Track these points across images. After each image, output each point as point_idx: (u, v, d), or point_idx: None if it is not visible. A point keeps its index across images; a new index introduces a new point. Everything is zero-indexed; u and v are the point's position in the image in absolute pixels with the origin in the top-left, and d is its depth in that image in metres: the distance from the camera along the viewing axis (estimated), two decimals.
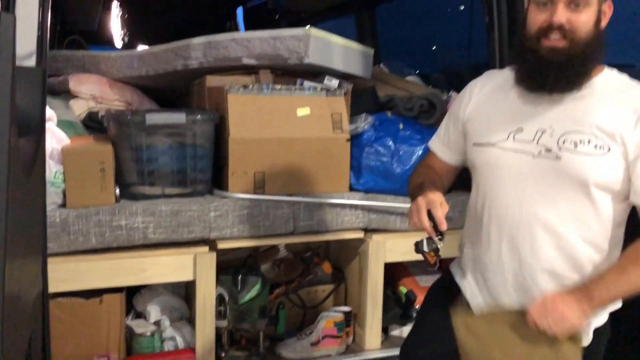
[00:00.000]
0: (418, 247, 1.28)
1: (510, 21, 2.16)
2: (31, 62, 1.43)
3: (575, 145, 1.22)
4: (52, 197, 1.72)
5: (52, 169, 1.72)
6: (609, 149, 1.20)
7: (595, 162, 1.20)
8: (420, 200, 1.25)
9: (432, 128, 2.27)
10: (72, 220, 1.72)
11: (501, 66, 2.24)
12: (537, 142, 1.26)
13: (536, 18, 1.23)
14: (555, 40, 1.22)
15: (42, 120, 1.45)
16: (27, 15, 1.41)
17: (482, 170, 1.36)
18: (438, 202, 1.24)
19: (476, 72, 3.00)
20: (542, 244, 1.26)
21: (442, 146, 1.50)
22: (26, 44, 1.42)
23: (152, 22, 4.90)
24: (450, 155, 1.49)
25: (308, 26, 2.11)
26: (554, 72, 1.22)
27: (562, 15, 1.20)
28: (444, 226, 1.23)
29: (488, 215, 1.34)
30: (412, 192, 1.39)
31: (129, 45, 4.90)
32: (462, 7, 3.12)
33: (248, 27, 4.90)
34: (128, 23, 4.79)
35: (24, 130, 1.34)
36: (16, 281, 1.29)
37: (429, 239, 1.26)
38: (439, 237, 1.25)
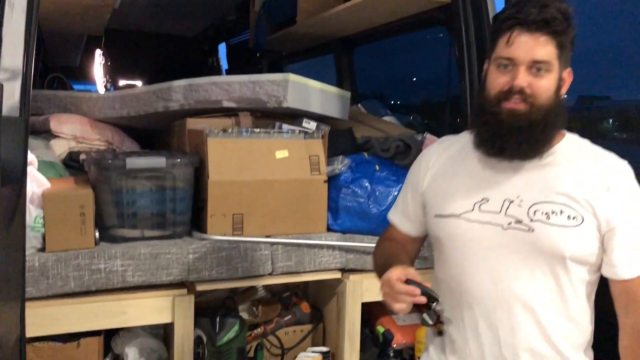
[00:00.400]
0: (424, 324, 1.20)
1: (480, 54, 2.24)
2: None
3: (548, 216, 1.17)
4: (32, 241, 1.73)
5: (32, 214, 1.74)
6: (583, 219, 1.16)
7: (570, 234, 1.16)
8: (384, 282, 1.19)
9: (408, 169, 2.34)
10: (51, 264, 1.73)
11: (472, 98, 2.30)
12: (505, 213, 1.20)
13: (497, 80, 1.20)
14: (515, 102, 1.18)
15: (24, 168, 1.48)
16: (12, 63, 1.45)
17: (448, 244, 1.28)
18: (394, 277, 1.16)
19: (451, 108, 3.08)
20: (521, 323, 1.20)
21: (402, 217, 1.44)
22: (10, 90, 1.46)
23: (136, 58, 4.97)
24: (410, 225, 1.42)
25: (287, 72, 2.18)
26: (514, 136, 1.19)
27: (523, 79, 1.17)
28: (418, 298, 1.13)
29: (459, 292, 1.26)
30: (379, 274, 1.31)
31: (112, 80, 4.96)
32: (436, 37, 3.23)
33: (231, 62, 4.98)
34: (112, 60, 4.85)
35: (7, 179, 1.37)
36: (5, 326, 1.30)
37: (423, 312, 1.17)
38: (426, 309, 1.16)
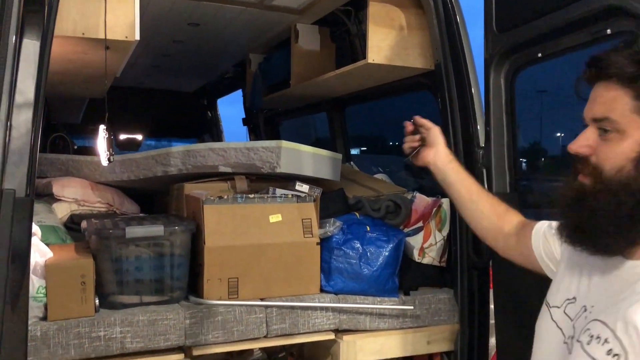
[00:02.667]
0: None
1: (463, 123, 2.34)
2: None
3: (590, 340, 0.89)
4: (34, 311, 1.79)
5: (35, 284, 1.80)
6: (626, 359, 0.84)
7: None
8: None
9: (399, 228, 2.43)
10: (52, 333, 1.78)
11: (456, 148, 2.36)
12: (574, 323, 0.96)
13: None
14: (583, 175, 0.94)
15: (28, 244, 1.56)
16: (20, 147, 1.55)
17: (535, 337, 1.09)
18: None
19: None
20: None
21: (542, 234, 1.20)
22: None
23: (136, 112, 5.10)
24: (539, 245, 1.20)
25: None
26: (578, 220, 0.94)
27: (580, 141, 0.93)
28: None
29: None
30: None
31: (113, 136, 5.08)
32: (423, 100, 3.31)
33: (248, 112, 4.94)
34: (112, 114, 4.98)
35: (15, 257, 1.45)
36: None
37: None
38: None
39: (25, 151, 1.54)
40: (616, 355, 0.84)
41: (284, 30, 3.16)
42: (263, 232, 2.14)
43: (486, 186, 2.17)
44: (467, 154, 2.29)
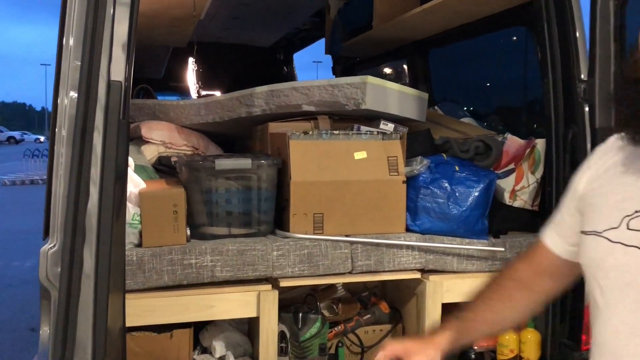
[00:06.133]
0: None
1: (563, 57, 2.19)
2: None
3: None
4: (130, 237, 1.87)
5: (131, 212, 1.87)
6: None
7: None
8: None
9: (488, 170, 2.32)
10: (147, 259, 1.85)
11: (555, 103, 2.24)
12: None
13: None
14: None
15: (126, 166, 1.60)
16: (117, 74, 1.58)
17: (587, 274, 1.00)
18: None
19: (531, 110, 3.00)
20: None
21: (553, 232, 1.13)
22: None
23: (214, 69, 5.18)
24: (559, 244, 1.11)
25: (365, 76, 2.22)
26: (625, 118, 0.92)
27: None
28: None
29: (594, 342, 0.99)
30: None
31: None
32: (514, 38, 3.15)
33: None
34: (198, 74, 5.10)
35: (117, 177, 1.49)
36: (110, 315, 1.43)
37: None
38: None
39: (121, 77, 1.56)
40: None
41: None
42: (348, 168, 2.11)
43: (587, 123, 2.01)
44: (567, 89, 2.13)
